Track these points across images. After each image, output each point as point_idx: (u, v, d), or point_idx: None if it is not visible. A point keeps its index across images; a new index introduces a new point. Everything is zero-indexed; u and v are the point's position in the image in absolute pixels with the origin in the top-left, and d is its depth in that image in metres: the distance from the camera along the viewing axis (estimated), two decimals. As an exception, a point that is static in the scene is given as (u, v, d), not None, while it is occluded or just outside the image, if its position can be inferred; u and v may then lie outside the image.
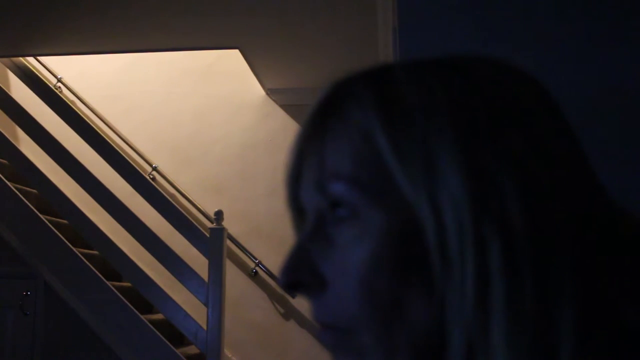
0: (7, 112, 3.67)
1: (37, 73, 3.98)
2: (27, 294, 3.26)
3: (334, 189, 0.42)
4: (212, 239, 3.38)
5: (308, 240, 0.44)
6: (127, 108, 4.63)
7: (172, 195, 4.25)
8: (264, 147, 4.43)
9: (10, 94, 3.72)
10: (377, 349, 0.41)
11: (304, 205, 0.46)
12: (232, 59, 4.15)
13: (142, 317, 3.33)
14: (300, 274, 0.43)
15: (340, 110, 0.44)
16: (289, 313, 4.24)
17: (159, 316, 3.62)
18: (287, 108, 4.44)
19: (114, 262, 3.43)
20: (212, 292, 3.31)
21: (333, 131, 0.43)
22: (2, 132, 3.64)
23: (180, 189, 4.39)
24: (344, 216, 0.42)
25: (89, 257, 3.49)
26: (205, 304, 3.32)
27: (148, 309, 3.68)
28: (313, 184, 0.44)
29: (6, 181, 3.52)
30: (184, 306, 3.42)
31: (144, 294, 3.40)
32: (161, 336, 3.29)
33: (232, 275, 4.02)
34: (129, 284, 3.58)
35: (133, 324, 3.30)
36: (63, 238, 3.42)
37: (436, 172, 0.39)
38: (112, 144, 3.73)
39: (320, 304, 0.43)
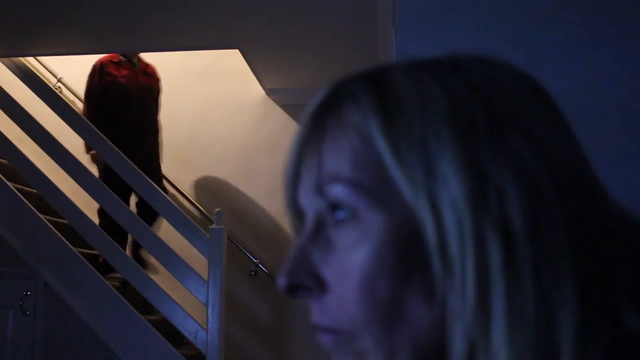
0: (7, 112, 3.67)
1: (37, 73, 3.98)
2: (27, 294, 3.25)
3: (333, 191, 0.42)
4: (212, 239, 3.38)
5: (308, 243, 0.43)
6: (127, 108, 4.62)
7: (172, 196, 4.25)
8: (264, 147, 4.43)
9: (10, 94, 3.71)
10: (377, 352, 0.41)
11: (303, 207, 0.46)
12: (232, 59, 4.15)
13: (142, 317, 3.33)
14: (300, 277, 0.43)
15: (339, 112, 0.44)
16: (289, 313, 4.24)
17: (159, 316, 3.62)
18: (287, 108, 4.43)
19: (114, 263, 3.42)
20: (212, 292, 3.30)
21: (332, 133, 0.43)
22: (2, 132, 3.64)
23: (180, 189, 4.39)
24: (344, 218, 0.42)
25: (89, 257, 3.49)
26: (205, 304, 3.32)
27: (148, 309, 3.68)
28: (312, 186, 0.44)
29: (6, 181, 3.52)
30: (184, 306, 3.42)
31: (144, 294, 3.40)
32: (161, 336, 3.29)
33: (232, 275, 4.01)
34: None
35: (133, 324, 3.30)
36: (63, 238, 3.42)
37: (435, 173, 0.39)
38: (112, 144, 3.73)
39: (320, 307, 0.43)
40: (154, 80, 4.15)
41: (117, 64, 4.02)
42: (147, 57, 4.28)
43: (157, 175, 3.93)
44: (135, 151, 3.68)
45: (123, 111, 3.95)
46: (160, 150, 4.16)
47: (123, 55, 4.06)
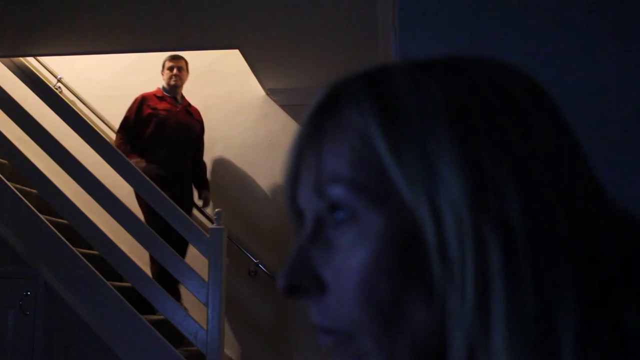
0: (7, 112, 3.67)
1: (37, 73, 3.98)
2: (27, 294, 3.25)
3: (332, 192, 0.42)
4: (212, 239, 3.38)
5: (307, 244, 0.43)
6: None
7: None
8: (264, 147, 4.42)
9: (10, 94, 3.71)
10: (377, 352, 0.41)
11: (302, 207, 0.46)
12: (232, 59, 4.15)
13: (142, 317, 3.33)
14: (300, 277, 0.43)
15: (339, 112, 0.43)
16: (289, 313, 4.24)
17: (159, 316, 3.62)
18: (287, 108, 4.43)
19: (114, 262, 3.42)
20: (212, 292, 3.30)
21: (331, 133, 0.43)
22: (2, 132, 3.64)
23: (180, 189, 4.38)
24: (343, 219, 0.42)
25: (89, 257, 3.48)
26: (205, 304, 3.32)
27: (148, 309, 3.68)
28: (311, 187, 0.44)
29: (6, 181, 3.52)
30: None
31: (144, 294, 3.40)
32: (161, 336, 3.29)
33: (232, 275, 4.01)
34: (129, 284, 3.58)
35: (133, 324, 3.30)
36: (63, 238, 3.42)
37: (435, 174, 0.39)
38: (112, 144, 3.73)
39: (320, 307, 0.43)
40: (194, 120, 4.19)
41: (160, 98, 4.09)
42: (147, 57, 4.28)
43: (188, 211, 3.87)
44: (169, 187, 3.63)
45: (159, 142, 3.97)
46: (207, 194, 4.17)
47: (166, 91, 4.11)
